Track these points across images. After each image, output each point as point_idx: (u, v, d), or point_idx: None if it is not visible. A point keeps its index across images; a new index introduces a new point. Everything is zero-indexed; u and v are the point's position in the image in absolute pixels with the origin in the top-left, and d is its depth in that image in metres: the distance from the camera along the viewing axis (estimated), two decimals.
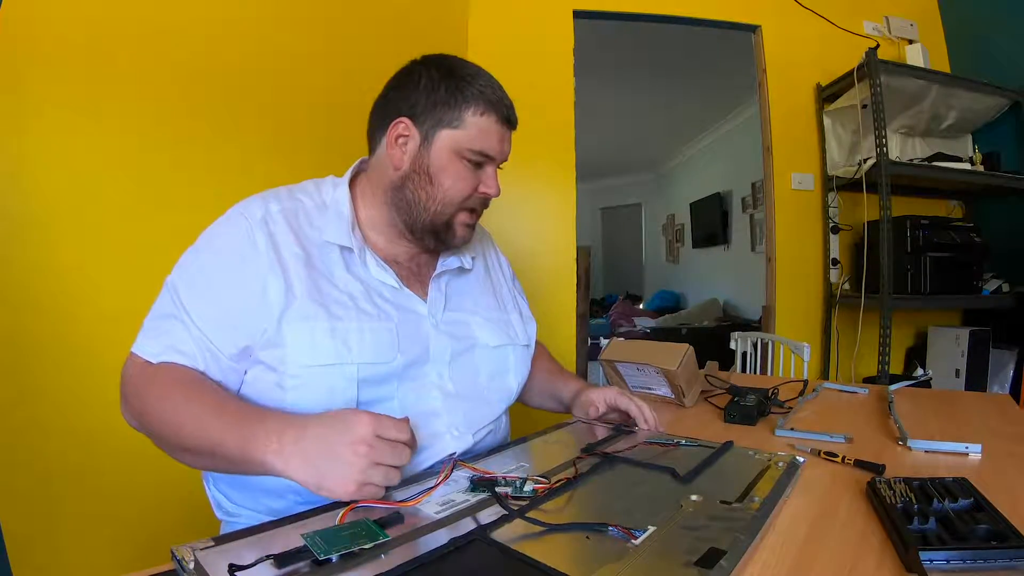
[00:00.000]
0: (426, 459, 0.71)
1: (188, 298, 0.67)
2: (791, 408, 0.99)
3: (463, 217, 0.78)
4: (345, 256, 0.74)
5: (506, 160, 0.79)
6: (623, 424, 0.85)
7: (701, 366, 1.15)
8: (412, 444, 0.59)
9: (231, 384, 0.68)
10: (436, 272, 0.81)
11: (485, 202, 0.79)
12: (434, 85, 0.73)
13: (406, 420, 0.59)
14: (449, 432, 0.75)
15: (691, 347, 1.01)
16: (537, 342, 1.03)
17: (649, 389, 1.07)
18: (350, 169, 0.81)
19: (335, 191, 0.78)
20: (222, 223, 0.72)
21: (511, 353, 0.86)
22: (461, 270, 0.86)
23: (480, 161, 0.75)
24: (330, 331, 0.67)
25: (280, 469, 0.56)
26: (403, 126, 0.74)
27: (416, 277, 0.81)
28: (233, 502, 0.73)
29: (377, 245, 0.79)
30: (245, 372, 0.69)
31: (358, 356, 0.68)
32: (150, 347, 0.66)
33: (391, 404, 0.72)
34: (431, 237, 0.78)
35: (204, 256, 0.70)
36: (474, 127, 0.73)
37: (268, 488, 0.69)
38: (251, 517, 0.72)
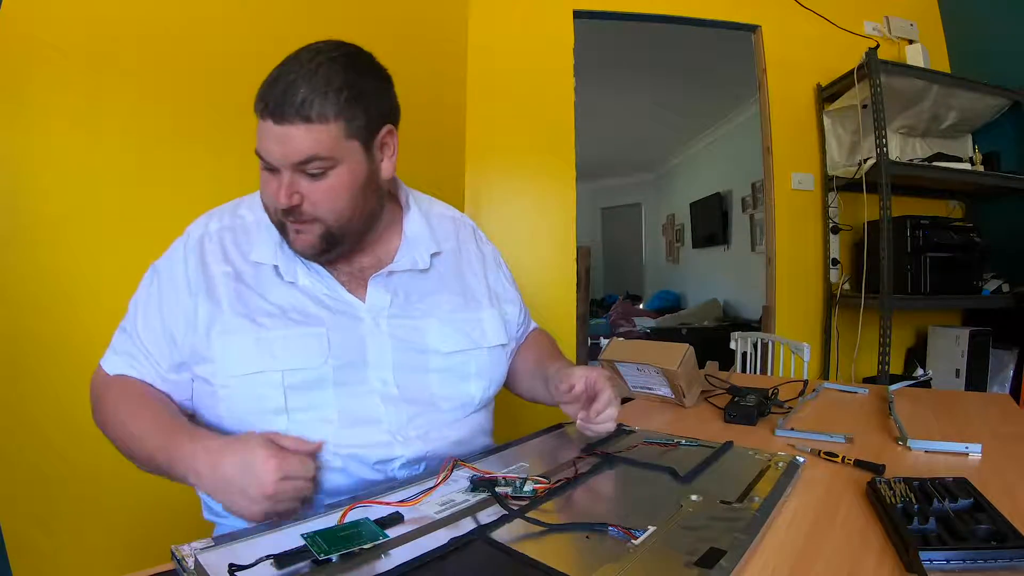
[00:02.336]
0: (377, 467, 0.70)
1: (134, 317, 0.74)
2: (791, 408, 0.99)
3: (289, 225, 0.70)
4: (276, 270, 0.73)
5: (300, 162, 0.65)
6: (623, 424, 0.84)
7: (701, 366, 1.15)
8: (317, 476, 0.62)
9: (178, 394, 0.73)
10: (381, 272, 0.76)
11: (292, 212, 0.68)
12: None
13: (313, 453, 0.62)
14: (394, 437, 0.71)
15: (691, 347, 1.01)
16: (538, 330, 1.02)
17: (649, 389, 1.07)
18: None
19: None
20: (174, 244, 0.76)
21: (472, 359, 0.80)
22: (416, 271, 0.80)
23: (267, 167, 0.68)
24: (255, 341, 0.68)
25: (202, 491, 0.63)
26: None
27: (360, 279, 0.77)
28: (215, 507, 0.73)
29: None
30: (193, 381, 0.72)
31: (283, 363, 0.68)
32: (111, 360, 0.74)
33: (327, 411, 0.70)
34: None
35: (149, 277, 0.76)
36: (258, 131, 0.66)
37: None
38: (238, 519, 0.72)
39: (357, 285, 0.76)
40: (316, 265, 0.74)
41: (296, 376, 0.68)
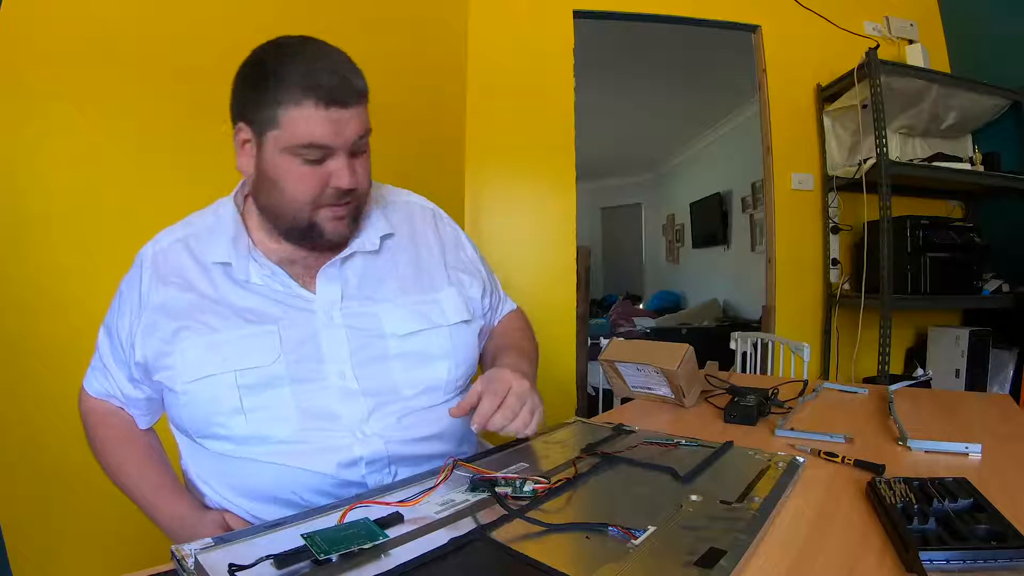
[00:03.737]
0: (326, 464, 0.67)
1: (101, 333, 0.80)
2: (791, 408, 0.99)
3: (326, 213, 0.70)
4: (228, 271, 0.73)
5: (355, 141, 0.68)
6: (623, 424, 0.85)
7: (701, 366, 1.15)
8: None
9: (140, 411, 0.80)
10: (333, 262, 0.75)
11: (350, 194, 0.70)
12: (249, 83, 0.68)
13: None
14: (352, 434, 0.69)
15: (691, 347, 1.01)
16: (512, 314, 0.99)
17: (649, 389, 1.07)
18: (240, 182, 0.79)
19: (219, 209, 0.79)
20: (128, 274, 0.79)
21: (432, 338, 0.77)
22: (367, 254, 0.78)
23: (316, 156, 0.67)
24: (207, 345, 0.69)
25: None
26: (243, 132, 0.70)
27: (315, 272, 0.75)
28: (217, 493, 0.74)
29: (270, 249, 0.75)
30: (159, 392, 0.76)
31: (233, 364, 0.68)
32: (89, 379, 0.82)
33: (284, 410, 0.68)
34: (300, 238, 0.73)
35: (114, 301, 0.79)
36: (291, 122, 0.65)
37: (256, 492, 0.71)
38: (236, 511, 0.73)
39: (312, 278, 0.75)
40: (268, 262, 0.73)
41: (248, 376, 0.67)
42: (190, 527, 0.70)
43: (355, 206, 0.73)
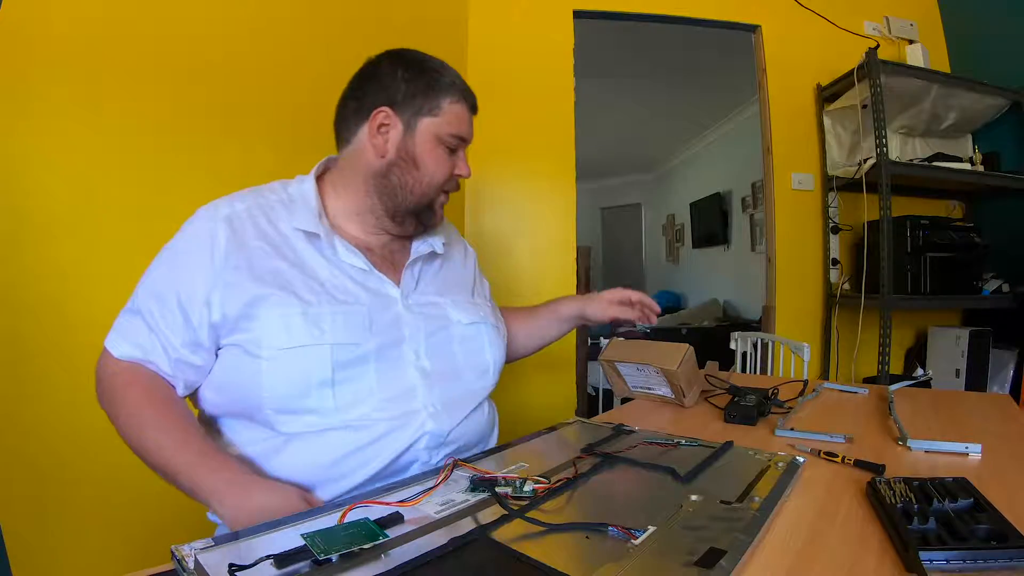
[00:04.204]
0: (404, 437, 0.72)
1: (146, 295, 0.73)
2: (791, 408, 0.99)
3: (442, 198, 0.84)
4: (314, 243, 0.77)
5: (470, 143, 0.85)
6: (623, 424, 0.85)
7: (701, 366, 1.15)
8: None
9: (185, 377, 0.72)
10: (411, 259, 0.85)
11: (457, 184, 0.86)
12: (411, 76, 0.79)
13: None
14: (425, 409, 0.75)
15: (691, 347, 1.01)
16: (511, 308, 1.12)
17: (649, 389, 1.07)
18: (316, 166, 0.85)
19: (301, 185, 0.82)
20: (188, 223, 0.76)
21: (484, 330, 0.88)
22: (433, 255, 0.89)
23: (455, 146, 0.82)
24: (302, 315, 0.70)
25: (221, 519, 0.64)
26: (384, 115, 0.78)
27: (389, 263, 0.84)
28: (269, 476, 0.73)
29: (348, 233, 0.82)
30: (218, 353, 0.73)
31: (331, 337, 0.70)
32: (116, 342, 0.72)
33: (368, 383, 0.73)
34: (412, 219, 0.83)
35: (166, 255, 0.75)
36: (450, 114, 0.80)
37: (323, 468, 0.70)
38: None
39: (386, 267, 0.82)
40: (351, 245, 0.79)
41: (343, 352, 0.71)
42: (260, 492, 0.63)
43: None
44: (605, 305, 1.04)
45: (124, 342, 0.72)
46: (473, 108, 0.84)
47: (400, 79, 0.79)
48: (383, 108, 0.78)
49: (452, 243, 0.97)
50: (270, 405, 0.69)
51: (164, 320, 0.71)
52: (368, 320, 0.75)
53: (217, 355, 0.73)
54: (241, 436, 0.73)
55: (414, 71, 0.79)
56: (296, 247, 0.76)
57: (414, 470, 0.74)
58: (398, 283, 0.81)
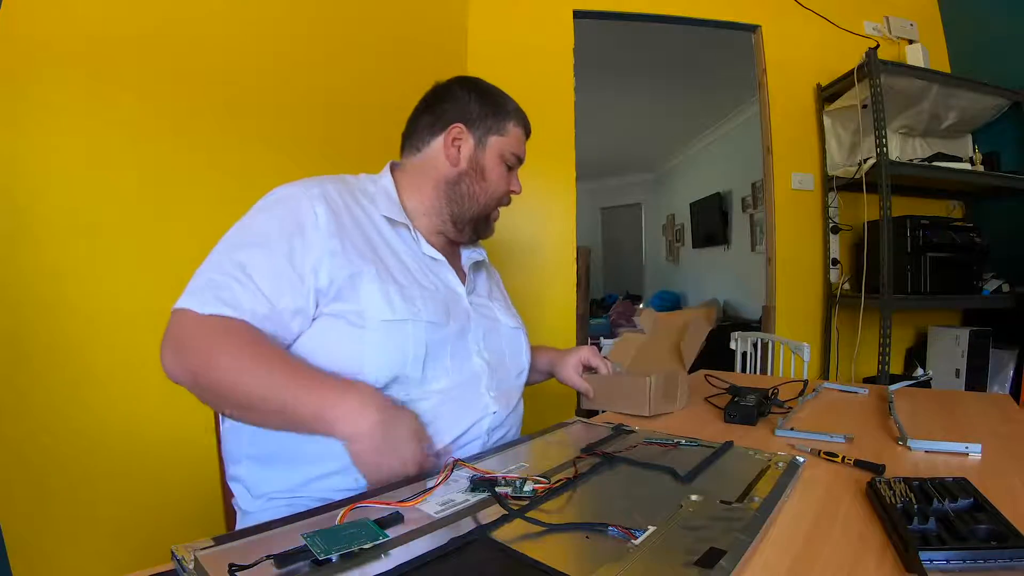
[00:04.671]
0: (472, 415, 0.80)
1: (247, 258, 0.69)
2: (791, 408, 0.99)
3: (496, 213, 0.94)
4: (399, 231, 0.84)
5: None
6: (623, 424, 0.85)
7: (701, 366, 1.14)
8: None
9: (284, 340, 0.72)
10: (470, 263, 0.95)
11: (510, 199, 0.95)
12: (483, 100, 0.90)
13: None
14: (488, 393, 0.83)
15: (656, 376, 0.96)
16: None
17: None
18: (386, 167, 0.92)
19: (380, 179, 0.89)
20: (279, 196, 0.77)
21: (522, 336, 0.98)
22: (479, 264, 0.98)
23: (513, 164, 0.92)
24: (399, 292, 0.75)
25: (347, 438, 0.64)
26: (458, 130, 0.88)
27: (450, 262, 0.90)
28: (260, 491, 0.73)
29: (420, 231, 0.89)
30: (315, 321, 0.73)
31: (425, 315, 0.77)
32: (204, 302, 0.67)
33: (444, 363, 0.79)
34: (470, 228, 0.91)
35: (263, 221, 0.74)
36: (513, 136, 0.91)
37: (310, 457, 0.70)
38: (279, 498, 0.72)
39: (449, 267, 0.90)
40: (428, 244, 0.87)
41: (434, 331, 0.77)
42: (386, 411, 0.65)
43: None
44: (570, 372, 1.04)
45: (215, 300, 0.67)
46: (528, 133, 0.95)
47: (474, 102, 0.89)
48: (458, 124, 0.88)
49: (487, 258, 1.06)
50: (369, 375, 0.71)
51: (269, 282, 0.69)
52: (446, 307, 0.81)
53: (311, 324, 0.73)
54: None
55: (487, 97, 0.90)
56: (383, 231, 0.82)
57: (474, 447, 0.80)
58: (463, 281, 0.90)
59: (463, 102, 0.90)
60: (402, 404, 0.73)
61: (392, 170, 0.92)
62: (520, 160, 0.94)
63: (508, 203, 0.95)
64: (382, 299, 0.73)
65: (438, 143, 0.89)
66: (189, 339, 0.66)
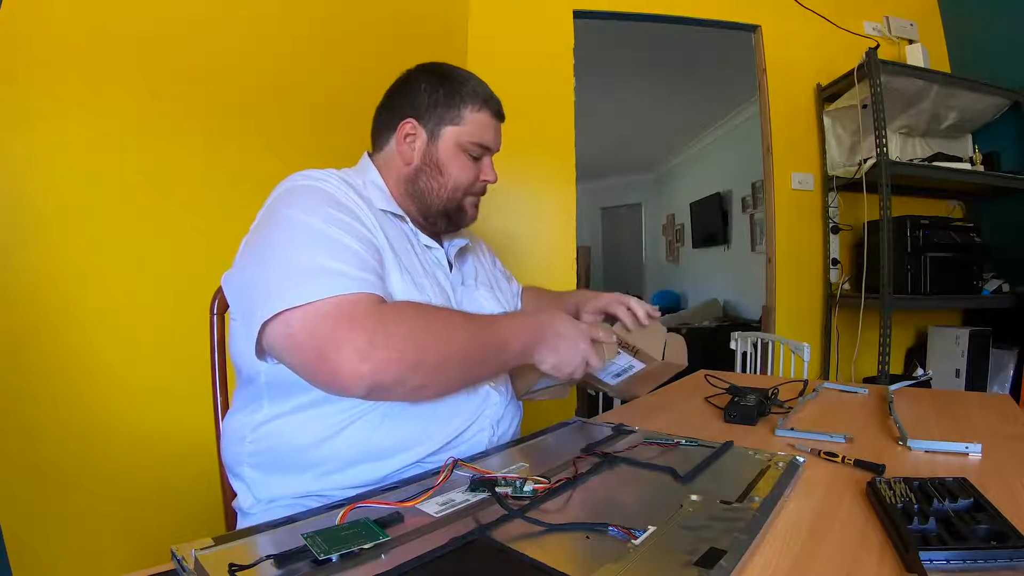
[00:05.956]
0: (474, 407, 0.79)
1: (341, 235, 0.67)
2: (791, 408, 0.99)
3: (471, 200, 0.89)
4: (397, 223, 0.83)
5: (499, 150, 0.90)
6: (623, 424, 0.85)
7: (701, 366, 1.14)
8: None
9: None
10: (454, 252, 0.92)
11: (484, 188, 0.90)
12: (433, 88, 0.83)
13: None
14: (489, 383, 0.82)
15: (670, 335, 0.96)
16: (524, 288, 1.17)
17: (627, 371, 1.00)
18: (363, 157, 0.90)
19: (367, 172, 0.86)
20: (301, 187, 0.73)
21: None
22: (462, 249, 0.95)
23: (478, 154, 0.86)
24: (411, 279, 0.76)
25: (540, 358, 0.76)
26: (410, 126, 0.84)
27: None
28: (263, 495, 0.73)
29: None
30: None
31: (436, 303, 0.77)
32: (367, 283, 0.63)
33: None
34: (444, 220, 0.87)
35: (302, 206, 0.69)
36: (472, 123, 0.84)
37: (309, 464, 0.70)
38: (281, 500, 0.72)
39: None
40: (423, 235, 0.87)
41: None
42: (555, 321, 0.77)
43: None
44: (590, 316, 0.98)
45: (347, 284, 0.61)
46: (498, 115, 0.87)
47: (423, 91, 0.84)
48: (409, 119, 0.83)
49: (474, 237, 1.05)
50: None
51: (369, 254, 0.68)
52: (447, 297, 0.82)
53: None
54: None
55: (437, 83, 0.84)
56: (383, 223, 0.80)
57: (480, 440, 0.78)
58: (450, 269, 0.89)
59: (414, 93, 0.84)
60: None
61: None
62: (486, 148, 0.86)
63: (483, 192, 0.90)
64: (401, 284, 0.74)
65: (394, 140, 0.85)
66: (389, 326, 0.61)
